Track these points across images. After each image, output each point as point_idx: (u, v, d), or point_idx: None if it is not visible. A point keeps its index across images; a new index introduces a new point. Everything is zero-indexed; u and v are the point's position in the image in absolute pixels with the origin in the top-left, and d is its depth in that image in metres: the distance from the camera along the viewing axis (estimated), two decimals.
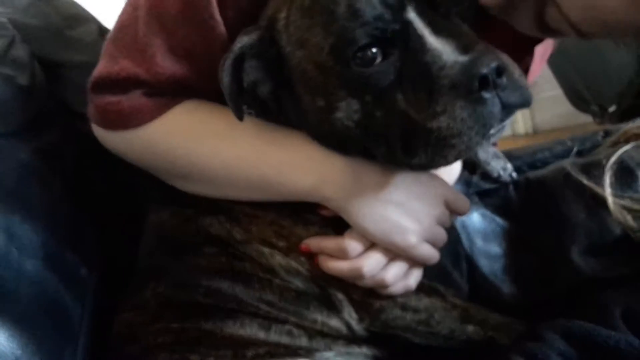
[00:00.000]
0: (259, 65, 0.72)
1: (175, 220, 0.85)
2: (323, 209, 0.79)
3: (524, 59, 0.84)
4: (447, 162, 0.64)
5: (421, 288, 0.81)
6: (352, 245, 0.76)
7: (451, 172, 0.94)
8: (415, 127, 0.63)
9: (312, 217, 0.80)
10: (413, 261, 0.79)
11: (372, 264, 0.76)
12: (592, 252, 0.90)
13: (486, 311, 0.81)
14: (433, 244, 0.78)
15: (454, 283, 0.92)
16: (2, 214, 0.74)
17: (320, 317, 0.81)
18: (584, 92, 1.92)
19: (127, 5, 0.78)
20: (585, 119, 2.05)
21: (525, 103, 0.63)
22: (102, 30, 1.11)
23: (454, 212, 0.81)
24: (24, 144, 0.85)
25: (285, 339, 0.79)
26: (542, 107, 2.84)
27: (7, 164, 0.81)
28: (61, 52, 1.05)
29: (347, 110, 0.68)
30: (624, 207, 0.85)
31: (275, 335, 0.79)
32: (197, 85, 0.77)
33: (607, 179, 0.85)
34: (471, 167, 1.01)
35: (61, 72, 1.03)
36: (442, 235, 0.79)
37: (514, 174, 1.05)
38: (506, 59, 0.62)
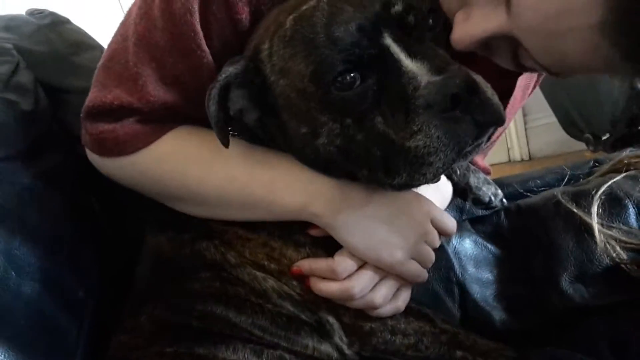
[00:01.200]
0: (244, 93, 0.74)
1: (172, 245, 0.86)
2: (313, 229, 0.80)
3: (507, 91, 0.87)
4: (427, 179, 0.66)
5: (410, 312, 0.83)
6: (342, 265, 0.78)
7: (443, 197, 0.96)
8: (394, 148, 0.65)
9: (302, 239, 0.82)
10: (401, 280, 0.81)
11: (361, 285, 0.77)
12: (581, 280, 0.91)
13: (475, 337, 0.82)
14: (421, 262, 0.80)
15: (446, 309, 0.93)
16: (2, 236, 0.76)
17: (312, 343, 0.82)
18: (577, 120, 1.94)
19: (116, 35, 0.81)
20: (580, 146, 2.06)
21: (498, 121, 0.65)
22: None
23: (441, 232, 0.82)
24: (25, 167, 0.87)
25: None
26: (537, 134, 2.87)
27: (8, 187, 0.82)
28: (65, 78, 1.07)
29: (329, 136, 0.70)
30: (613, 238, 0.86)
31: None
32: (187, 111, 0.80)
33: (595, 209, 0.87)
34: (463, 193, 1.03)
35: (65, 97, 1.05)
36: (429, 254, 0.81)
37: (505, 200, 1.06)
38: (479, 79, 0.65)
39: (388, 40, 0.66)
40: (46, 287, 0.78)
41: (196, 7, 0.72)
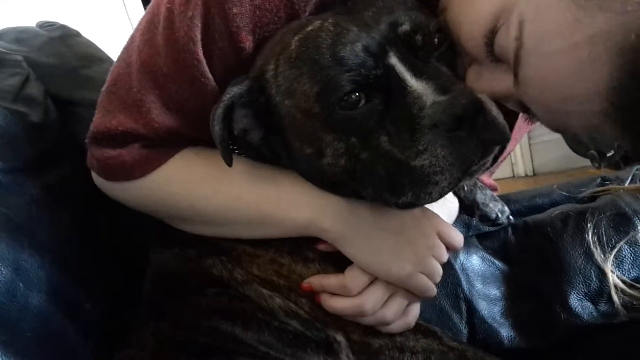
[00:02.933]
0: (248, 113, 0.74)
1: (177, 262, 0.86)
2: (321, 244, 0.80)
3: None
4: (432, 198, 0.66)
5: (419, 329, 0.82)
6: (354, 282, 0.77)
7: (449, 213, 0.96)
8: (399, 167, 0.66)
9: (311, 255, 0.81)
10: (411, 296, 0.80)
11: (373, 300, 0.77)
12: (590, 298, 0.90)
13: (484, 355, 0.81)
14: (429, 276, 0.80)
15: (453, 325, 0.93)
16: (11, 248, 0.76)
17: None
18: (582, 136, 1.94)
19: (119, 60, 0.81)
20: (584, 162, 2.05)
21: (503, 140, 0.66)
22: None
23: (448, 246, 0.82)
24: (34, 179, 0.87)
25: None
26: (541, 150, 2.87)
27: (17, 199, 0.82)
28: (75, 91, 1.08)
29: (333, 155, 0.70)
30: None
31: None
32: (191, 135, 0.80)
33: (611, 257, 0.87)
34: (469, 210, 1.03)
35: (74, 110, 1.05)
36: (437, 268, 0.80)
37: (511, 217, 1.06)
38: (484, 98, 0.65)
39: (393, 60, 0.66)
40: (53, 299, 0.78)
41: (199, 35, 0.72)
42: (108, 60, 1.18)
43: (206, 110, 0.74)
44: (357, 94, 0.66)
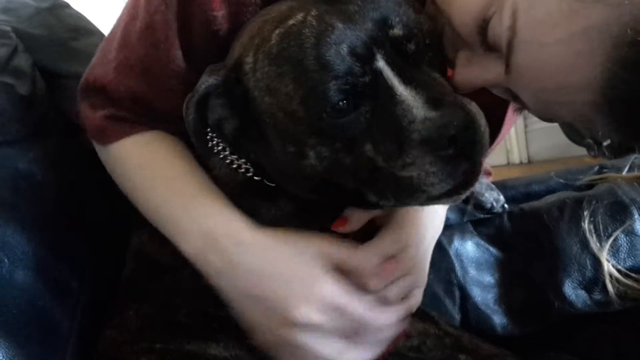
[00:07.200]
0: (224, 103, 0.71)
1: (153, 243, 0.84)
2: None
3: (501, 106, 0.86)
4: (419, 204, 0.66)
5: (416, 312, 0.81)
6: (365, 259, 0.74)
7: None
8: (382, 174, 0.64)
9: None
10: (415, 280, 0.78)
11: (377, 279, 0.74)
12: (584, 286, 0.90)
13: (478, 341, 0.81)
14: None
15: (446, 311, 0.93)
16: None
17: None
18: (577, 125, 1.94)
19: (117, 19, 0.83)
20: (580, 151, 2.05)
21: (484, 154, 0.64)
22: None
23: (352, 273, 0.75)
24: (21, 153, 0.85)
25: (269, 358, 0.78)
26: (537, 137, 2.87)
27: (3, 173, 0.81)
28: (64, 63, 1.05)
29: (316, 157, 0.67)
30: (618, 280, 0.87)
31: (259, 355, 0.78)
32: (154, 104, 0.79)
33: (607, 246, 0.87)
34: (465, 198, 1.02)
35: (63, 83, 1.03)
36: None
37: (506, 206, 1.05)
38: (473, 108, 0.63)
39: (381, 63, 0.63)
40: (39, 276, 0.77)
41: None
42: (98, 32, 1.16)
43: (168, 78, 0.76)
44: (345, 101, 0.63)
